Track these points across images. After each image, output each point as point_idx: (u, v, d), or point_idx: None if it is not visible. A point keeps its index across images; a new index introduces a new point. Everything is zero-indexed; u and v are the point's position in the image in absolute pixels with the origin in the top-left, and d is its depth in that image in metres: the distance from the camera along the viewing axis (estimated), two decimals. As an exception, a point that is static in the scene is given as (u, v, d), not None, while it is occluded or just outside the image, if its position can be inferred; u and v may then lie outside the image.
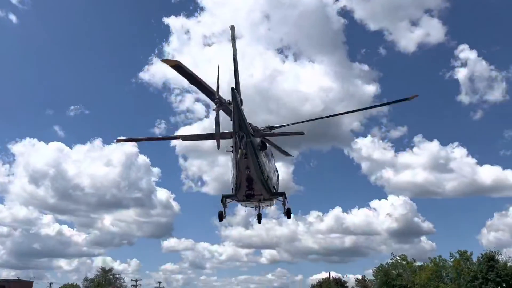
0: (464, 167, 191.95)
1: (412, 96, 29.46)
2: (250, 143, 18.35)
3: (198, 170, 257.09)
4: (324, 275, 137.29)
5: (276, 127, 21.98)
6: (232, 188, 21.28)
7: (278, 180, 23.83)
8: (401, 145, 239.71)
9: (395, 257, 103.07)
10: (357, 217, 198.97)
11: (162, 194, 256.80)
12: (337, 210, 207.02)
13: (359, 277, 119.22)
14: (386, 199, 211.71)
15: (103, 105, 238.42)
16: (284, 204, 25.20)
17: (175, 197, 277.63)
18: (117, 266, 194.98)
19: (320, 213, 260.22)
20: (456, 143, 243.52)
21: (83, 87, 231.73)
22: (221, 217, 22.21)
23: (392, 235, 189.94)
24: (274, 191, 23.19)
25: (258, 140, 20.57)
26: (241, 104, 17.85)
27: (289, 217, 28.27)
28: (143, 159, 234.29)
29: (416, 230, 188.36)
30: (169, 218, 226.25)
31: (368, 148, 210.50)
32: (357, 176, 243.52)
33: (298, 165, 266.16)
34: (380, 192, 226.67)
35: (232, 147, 19.01)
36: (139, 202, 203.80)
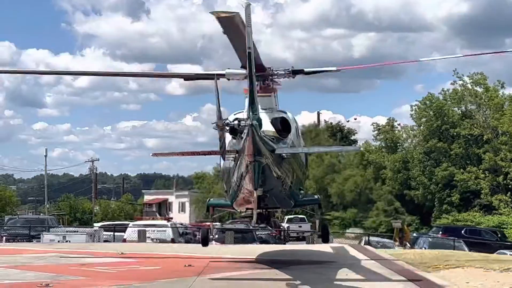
0: None
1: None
2: (267, 161, 10.82)
3: None
4: (307, 117, 77.17)
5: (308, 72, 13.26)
6: (227, 192, 13.48)
7: (305, 173, 15.01)
8: None
9: (460, 79, 49.32)
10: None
11: None
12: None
13: (382, 120, 58.58)
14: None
15: None
16: (316, 216, 15.77)
17: None
18: None
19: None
20: None
21: None
22: (205, 241, 14.69)
23: (457, 30, 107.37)
24: (300, 198, 14.37)
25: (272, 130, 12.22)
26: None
27: (326, 241, 16.68)
28: None
29: (508, 20, 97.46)
30: None
31: None
32: None
33: None
34: None
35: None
36: None
